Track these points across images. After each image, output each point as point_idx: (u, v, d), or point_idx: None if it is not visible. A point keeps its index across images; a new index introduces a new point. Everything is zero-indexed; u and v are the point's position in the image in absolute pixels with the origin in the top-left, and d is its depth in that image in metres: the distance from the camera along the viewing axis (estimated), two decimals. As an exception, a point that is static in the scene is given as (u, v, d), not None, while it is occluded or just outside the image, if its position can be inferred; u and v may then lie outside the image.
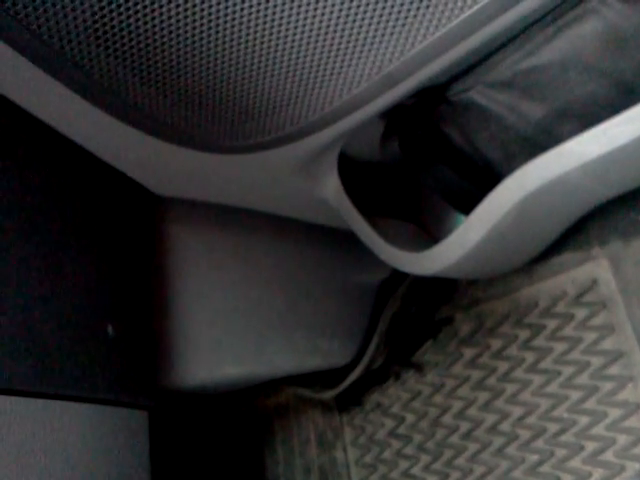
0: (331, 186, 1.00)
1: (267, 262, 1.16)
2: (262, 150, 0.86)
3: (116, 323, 0.84)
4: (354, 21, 0.66)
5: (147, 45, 0.66)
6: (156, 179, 0.95)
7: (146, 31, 0.64)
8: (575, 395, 1.12)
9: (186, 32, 0.65)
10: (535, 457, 1.16)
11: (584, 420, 1.10)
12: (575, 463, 1.11)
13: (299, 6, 0.64)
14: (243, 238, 1.12)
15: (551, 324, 1.17)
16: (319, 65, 0.72)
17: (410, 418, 1.37)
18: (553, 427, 1.14)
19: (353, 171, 1.02)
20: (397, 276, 1.33)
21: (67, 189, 0.82)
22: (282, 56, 0.70)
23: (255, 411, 1.63)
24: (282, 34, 0.67)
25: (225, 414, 1.64)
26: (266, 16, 0.65)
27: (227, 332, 1.07)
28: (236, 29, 0.66)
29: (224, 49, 0.68)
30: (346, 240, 1.18)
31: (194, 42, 0.67)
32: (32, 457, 0.67)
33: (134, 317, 0.89)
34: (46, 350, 0.71)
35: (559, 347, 1.15)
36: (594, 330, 1.11)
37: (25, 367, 0.68)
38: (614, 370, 1.08)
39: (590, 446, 1.09)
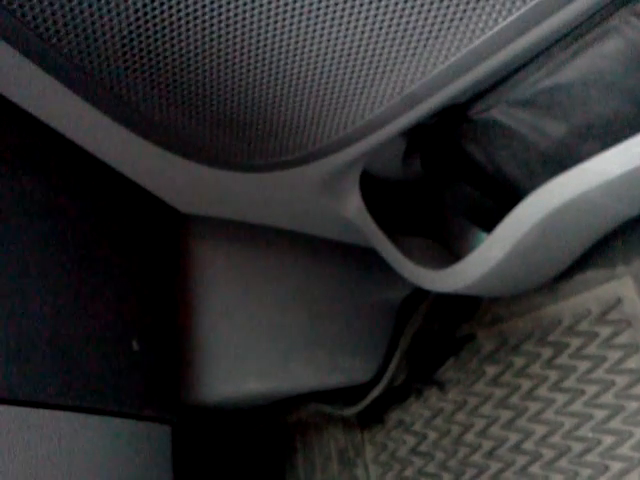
0: (353, 204, 1.01)
1: (290, 279, 1.16)
2: (285, 169, 0.87)
3: (141, 338, 0.85)
4: (377, 42, 0.67)
5: (174, 66, 0.68)
6: (181, 197, 0.96)
7: (173, 53, 0.66)
8: (600, 414, 1.11)
9: (212, 54, 0.67)
10: (559, 477, 1.15)
11: (609, 440, 1.09)
12: (600, 483, 1.09)
13: (322, 28, 0.65)
14: (266, 255, 1.13)
15: (575, 342, 1.16)
16: (342, 85, 0.73)
17: (432, 436, 1.37)
18: (577, 446, 1.13)
19: (375, 189, 1.03)
20: (419, 293, 1.33)
21: (94, 207, 0.83)
22: (306, 77, 0.72)
23: (277, 427, 1.63)
24: (306, 56, 0.69)
25: (247, 430, 1.64)
26: (290, 39, 0.66)
27: (250, 348, 1.08)
28: (261, 52, 0.67)
29: (249, 70, 0.70)
30: (368, 257, 1.19)
31: (220, 64, 0.68)
32: (56, 469, 0.68)
33: (159, 332, 0.90)
34: (71, 363, 0.72)
35: (583, 365, 1.14)
36: (618, 349, 1.10)
37: (50, 380, 0.69)
38: (639, 389, 1.06)
39: (615, 466, 1.08)
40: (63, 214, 0.77)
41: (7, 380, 0.64)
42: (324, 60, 0.70)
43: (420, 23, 0.65)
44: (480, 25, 0.65)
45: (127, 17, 0.61)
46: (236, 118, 0.77)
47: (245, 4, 0.62)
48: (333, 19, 0.64)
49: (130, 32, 0.63)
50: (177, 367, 0.95)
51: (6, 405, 0.64)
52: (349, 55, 0.69)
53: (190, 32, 0.64)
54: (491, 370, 1.28)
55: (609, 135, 0.79)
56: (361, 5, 0.63)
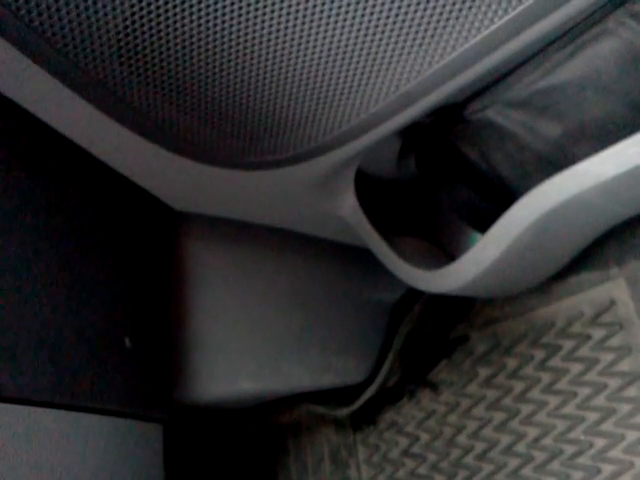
0: (348, 203, 1.01)
1: (283, 278, 1.16)
2: (279, 167, 0.87)
3: (133, 336, 0.85)
4: (372, 41, 0.67)
5: (169, 63, 0.68)
6: (175, 194, 0.96)
7: (168, 49, 0.66)
8: (592, 417, 1.11)
9: (208, 52, 0.67)
10: (551, 479, 1.15)
11: (601, 442, 1.09)
12: (592, 486, 1.09)
13: (318, 26, 0.65)
14: (260, 254, 1.13)
15: (567, 344, 1.16)
16: (337, 84, 0.73)
17: (424, 437, 1.36)
18: (569, 449, 1.13)
19: (370, 188, 1.03)
20: (413, 294, 1.33)
21: (88, 204, 0.83)
22: (301, 75, 0.72)
23: (269, 428, 1.63)
24: (301, 54, 0.69)
25: (239, 430, 1.64)
26: (285, 36, 0.66)
27: (243, 348, 1.08)
28: (256, 49, 0.67)
29: (244, 68, 0.70)
30: (362, 257, 1.19)
31: (215, 61, 0.68)
32: (47, 467, 0.67)
33: (151, 331, 0.90)
34: (63, 361, 0.72)
35: (575, 368, 1.14)
36: (611, 351, 1.10)
37: (43, 378, 0.69)
38: (631, 392, 1.07)
39: (607, 469, 1.08)
40: (56, 211, 0.77)
41: (-3, 376, 0.64)
42: (319, 58, 0.70)
43: (416, 22, 0.65)
44: (476, 24, 0.65)
45: (122, 12, 0.61)
46: (231, 116, 0.76)
47: (241, 1, 0.61)
48: (329, 17, 0.64)
49: (125, 27, 0.63)
50: (169, 366, 0.95)
51: (-4, 402, 0.63)
52: (345, 53, 0.69)
53: (185, 29, 0.64)
54: (484, 372, 1.28)
55: (604, 136, 0.80)
56: (357, 3, 0.63)
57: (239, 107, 0.75)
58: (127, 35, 0.63)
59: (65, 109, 0.72)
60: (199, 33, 0.64)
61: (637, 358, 1.06)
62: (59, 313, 0.73)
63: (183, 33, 0.64)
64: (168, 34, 0.64)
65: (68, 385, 0.72)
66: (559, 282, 1.18)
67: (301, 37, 0.66)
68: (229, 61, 0.69)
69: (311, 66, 0.70)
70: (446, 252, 1.11)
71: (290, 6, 0.63)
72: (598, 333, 1.12)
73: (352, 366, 1.28)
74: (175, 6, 0.61)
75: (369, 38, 0.67)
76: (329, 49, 0.68)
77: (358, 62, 0.70)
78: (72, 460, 0.71)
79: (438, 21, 0.65)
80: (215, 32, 0.65)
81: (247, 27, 0.64)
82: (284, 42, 0.67)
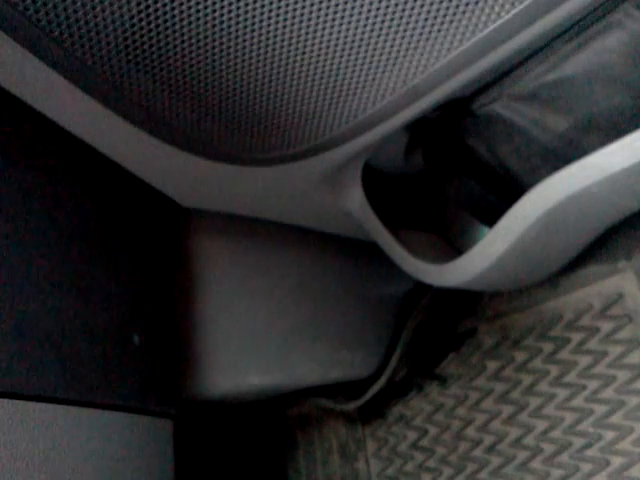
0: (355, 198, 1.01)
1: (291, 273, 1.16)
2: (286, 163, 0.87)
3: (142, 332, 0.85)
4: (379, 36, 0.67)
5: (176, 60, 0.68)
6: (182, 190, 0.96)
7: (175, 47, 0.66)
8: (600, 409, 1.11)
9: (215, 48, 0.67)
10: (560, 472, 1.15)
11: (610, 435, 1.09)
12: (601, 478, 1.09)
13: (325, 22, 0.65)
14: (267, 249, 1.13)
15: (576, 337, 1.16)
16: (344, 79, 0.73)
17: (433, 431, 1.37)
18: (578, 441, 1.13)
19: (377, 183, 1.03)
20: (420, 288, 1.33)
21: (95, 201, 0.83)
22: (308, 70, 0.71)
23: (278, 422, 1.64)
24: (308, 50, 0.68)
25: (248, 424, 1.65)
26: (292, 32, 0.66)
27: (251, 343, 1.08)
28: (263, 45, 0.67)
29: (251, 64, 0.70)
30: (369, 252, 1.19)
31: (222, 57, 0.68)
32: (57, 463, 0.68)
33: (160, 326, 0.90)
34: (72, 357, 0.72)
35: (584, 360, 1.14)
36: (620, 344, 1.10)
37: (52, 374, 0.69)
38: (640, 384, 1.07)
39: (616, 461, 1.08)
40: (64, 207, 0.77)
41: (7, 374, 0.64)
42: (326, 54, 0.69)
43: (423, 16, 0.65)
44: (483, 18, 0.65)
45: (129, 10, 0.61)
46: (238, 112, 0.76)
47: (247, -3, 0.62)
48: (336, 12, 0.64)
49: (132, 25, 0.63)
50: (178, 361, 0.95)
51: (6, 399, 0.64)
52: (352, 49, 0.69)
53: (192, 26, 0.64)
54: (492, 365, 1.29)
55: (612, 129, 0.79)
56: (364, -2, 0.63)
57: (246, 103, 0.75)
58: (134, 33, 0.63)
59: (71, 106, 0.72)
60: (206, 31, 0.64)
61: (646, 350, 1.06)
62: (66, 310, 0.74)
63: (190, 31, 0.64)
64: (175, 32, 0.64)
65: (76, 381, 0.72)
66: (567, 275, 1.18)
67: (308, 33, 0.66)
68: (236, 56, 0.69)
69: (318, 62, 0.70)
70: (454, 246, 1.11)
71: (297, 2, 0.62)
72: (606, 326, 1.12)
73: (360, 360, 1.28)
74: (182, 3, 0.61)
75: (376, 33, 0.67)
76: (336, 45, 0.68)
77: (365, 57, 0.70)
78: (81, 456, 0.71)
79: (445, 15, 0.64)
80: (222, 29, 0.65)
81: (255, 25, 0.64)
82: (291, 38, 0.67)
